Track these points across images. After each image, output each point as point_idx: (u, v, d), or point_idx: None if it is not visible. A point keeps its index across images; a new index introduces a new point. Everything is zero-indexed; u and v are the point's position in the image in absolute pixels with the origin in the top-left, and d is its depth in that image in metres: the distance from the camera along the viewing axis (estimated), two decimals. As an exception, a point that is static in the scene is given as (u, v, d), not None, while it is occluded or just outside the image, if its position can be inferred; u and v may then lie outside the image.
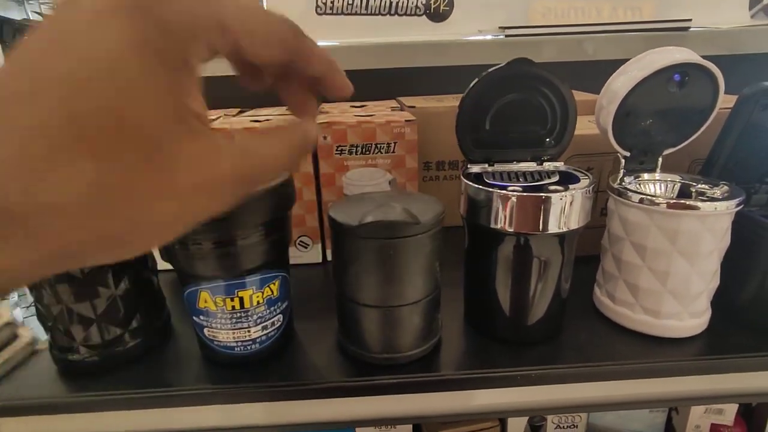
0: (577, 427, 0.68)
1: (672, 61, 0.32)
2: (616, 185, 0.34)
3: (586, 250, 0.39)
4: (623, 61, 0.34)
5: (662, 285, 0.32)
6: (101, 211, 0.14)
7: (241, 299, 0.30)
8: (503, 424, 0.66)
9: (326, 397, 0.32)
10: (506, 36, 0.62)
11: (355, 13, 0.63)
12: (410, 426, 0.65)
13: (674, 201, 0.31)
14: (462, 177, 0.33)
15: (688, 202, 0.30)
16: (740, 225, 0.33)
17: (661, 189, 0.35)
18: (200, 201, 0.16)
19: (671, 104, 0.34)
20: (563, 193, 0.30)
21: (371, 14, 0.63)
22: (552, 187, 0.31)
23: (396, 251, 0.28)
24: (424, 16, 0.64)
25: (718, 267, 0.33)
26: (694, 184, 0.34)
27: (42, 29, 0.14)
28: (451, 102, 0.56)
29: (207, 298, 0.30)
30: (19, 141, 0.13)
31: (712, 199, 0.31)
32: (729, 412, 0.62)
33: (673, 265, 0.32)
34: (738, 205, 0.31)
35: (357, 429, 0.62)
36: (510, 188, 0.30)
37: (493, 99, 0.35)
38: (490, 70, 0.34)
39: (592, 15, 0.64)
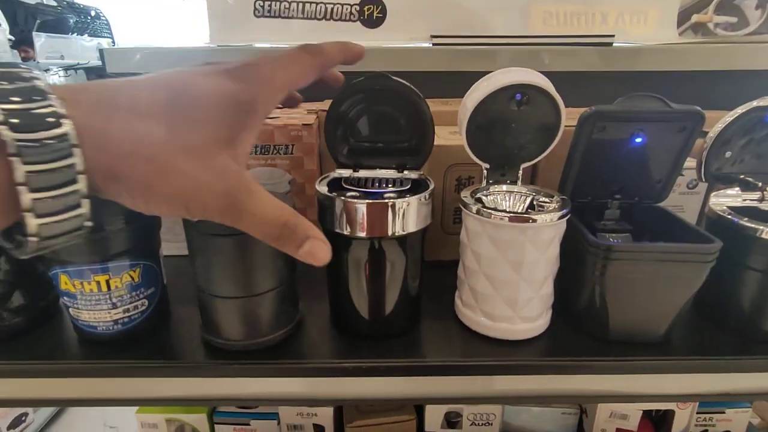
0: (492, 424, 0.70)
1: (509, 81, 0.34)
2: (464, 197, 0.36)
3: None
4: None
5: (495, 290, 0.35)
6: (152, 158, 0.21)
7: (98, 283, 0.33)
8: (421, 417, 0.69)
9: (183, 376, 0.35)
10: (434, 45, 0.65)
11: (292, 17, 0.66)
12: (331, 413, 0.68)
13: (502, 214, 0.33)
14: (316, 183, 0.36)
15: (513, 215, 0.33)
16: (573, 237, 0.35)
17: (510, 201, 0.38)
18: (201, 196, 0.22)
19: (518, 121, 0.37)
20: (398, 199, 0.32)
21: (307, 18, 0.66)
22: (387, 195, 0.33)
23: (227, 247, 0.31)
24: (358, 22, 0.66)
25: (549, 275, 0.35)
26: (538, 196, 0.37)
27: (182, 70, 0.25)
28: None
29: (66, 281, 0.33)
30: (135, 97, 0.22)
31: (541, 212, 0.34)
32: (633, 418, 0.65)
33: (502, 272, 0.34)
34: (560, 218, 0.33)
35: (280, 409, 0.66)
36: (348, 194, 0.33)
37: (359, 110, 0.37)
38: (351, 81, 0.36)
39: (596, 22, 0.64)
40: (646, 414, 0.66)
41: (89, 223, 0.21)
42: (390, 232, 0.33)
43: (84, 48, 2.33)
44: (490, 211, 0.33)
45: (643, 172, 0.38)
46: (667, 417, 0.67)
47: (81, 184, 0.19)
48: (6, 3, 1.68)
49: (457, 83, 0.66)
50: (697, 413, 0.67)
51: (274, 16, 0.65)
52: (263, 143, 0.46)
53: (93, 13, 2.53)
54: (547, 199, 0.36)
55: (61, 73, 2.19)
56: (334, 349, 0.36)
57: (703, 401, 0.66)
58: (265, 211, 0.24)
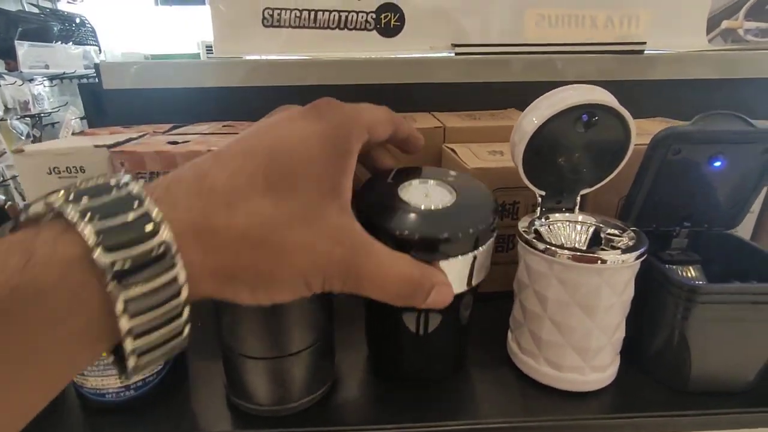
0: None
1: (578, 101, 0.30)
2: (522, 229, 0.32)
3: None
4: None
5: (563, 337, 0.31)
6: (267, 244, 0.19)
7: (107, 346, 0.28)
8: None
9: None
10: (456, 54, 0.61)
11: (303, 26, 0.61)
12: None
13: (574, 253, 0.29)
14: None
15: (588, 255, 0.29)
16: (648, 273, 0.31)
17: (573, 232, 0.34)
18: (322, 266, 0.20)
19: (581, 144, 0.33)
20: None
21: (320, 27, 0.61)
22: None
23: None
24: (374, 31, 0.62)
25: (622, 319, 0.31)
26: (606, 228, 0.33)
27: (256, 125, 0.22)
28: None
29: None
30: (231, 180, 0.19)
31: (615, 249, 0.30)
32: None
33: (572, 318, 0.30)
34: (639, 257, 0.29)
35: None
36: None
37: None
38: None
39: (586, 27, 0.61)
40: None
41: (188, 333, 0.18)
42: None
43: (69, 56, 2.26)
44: (556, 249, 0.29)
45: (716, 198, 0.34)
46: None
47: (183, 295, 0.17)
48: (-14, 11, 1.62)
49: (479, 94, 0.63)
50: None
51: (284, 26, 0.61)
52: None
53: (78, 21, 2.46)
54: (616, 231, 0.32)
55: (47, 82, 2.11)
56: (374, 409, 0.32)
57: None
58: (387, 273, 0.22)
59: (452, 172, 0.30)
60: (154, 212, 0.16)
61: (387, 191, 0.27)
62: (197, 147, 0.40)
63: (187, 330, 0.18)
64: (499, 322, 0.37)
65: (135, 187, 0.17)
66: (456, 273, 0.25)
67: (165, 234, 0.16)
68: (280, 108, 0.25)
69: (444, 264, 0.24)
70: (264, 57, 0.62)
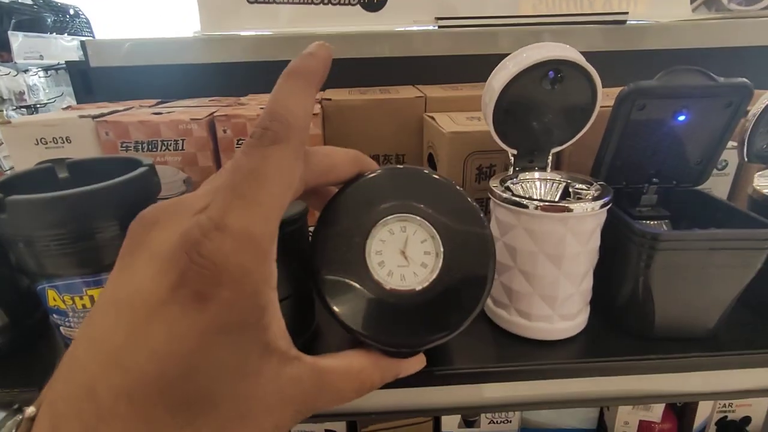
0: (511, 422, 0.68)
1: (543, 57, 0.31)
2: (493, 186, 0.33)
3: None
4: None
5: (532, 287, 0.32)
6: None
7: (92, 297, 0.29)
8: (437, 418, 0.66)
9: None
10: (439, 27, 0.61)
11: (288, 2, 0.62)
12: (344, 423, 0.65)
13: (540, 203, 0.30)
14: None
15: (553, 205, 0.30)
16: (613, 225, 0.32)
17: (543, 189, 0.35)
18: (286, 421, 0.17)
19: (550, 101, 0.33)
20: None
21: (304, 3, 0.62)
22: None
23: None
24: (358, 6, 0.62)
25: (590, 268, 0.32)
26: (574, 183, 0.34)
27: (111, 305, 0.16)
28: (375, 94, 0.55)
29: (55, 297, 0.29)
30: (111, 404, 0.14)
31: (581, 201, 0.31)
32: (656, 409, 0.63)
33: (540, 267, 0.31)
34: (603, 206, 0.30)
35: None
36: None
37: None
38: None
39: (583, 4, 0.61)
40: (669, 404, 0.64)
41: None
42: None
43: (64, 48, 2.25)
44: (525, 200, 0.30)
45: (682, 154, 0.35)
46: (690, 406, 0.65)
47: None
48: (-22, 1, 1.61)
49: (463, 68, 0.63)
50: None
51: (269, 2, 0.61)
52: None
53: (72, 12, 2.45)
54: (583, 186, 0.33)
55: (41, 73, 2.11)
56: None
57: (754, 397, 0.64)
58: (346, 392, 0.20)
59: (439, 188, 0.23)
60: None
61: (352, 243, 0.21)
62: (180, 116, 0.41)
63: None
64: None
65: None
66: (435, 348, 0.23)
67: None
68: (134, 233, 0.17)
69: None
70: (250, 33, 0.62)
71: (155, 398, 0.14)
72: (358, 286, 0.20)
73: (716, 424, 0.67)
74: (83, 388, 0.14)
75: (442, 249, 0.21)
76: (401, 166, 0.24)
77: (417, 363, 0.23)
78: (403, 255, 0.21)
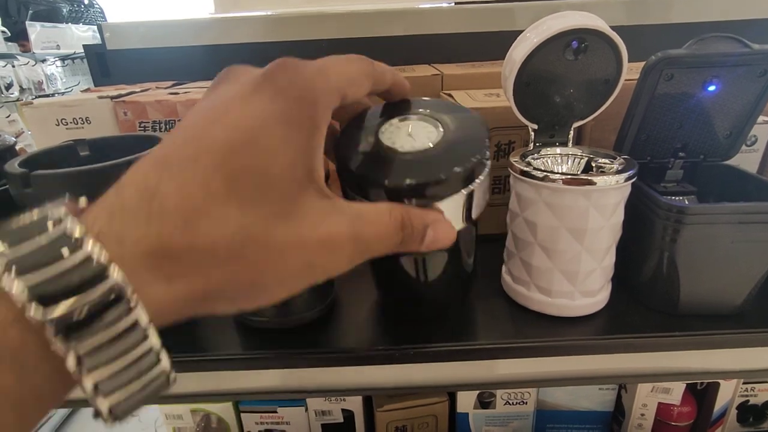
0: (526, 403, 0.68)
1: (566, 26, 0.30)
2: (513, 160, 0.33)
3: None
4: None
5: (552, 263, 0.31)
6: (242, 255, 0.17)
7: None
8: (453, 398, 0.67)
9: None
10: (455, 3, 0.60)
11: (300, -19, 0.61)
12: (360, 398, 0.66)
13: (562, 177, 0.29)
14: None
15: (576, 178, 0.29)
16: (637, 200, 0.31)
17: (566, 164, 0.34)
18: (323, 255, 0.18)
19: (572, 73, 0.32)
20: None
21: (317, -18, 0.61)
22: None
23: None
24: (373, -17, 0.61)
25: (612, 243, 0.32)
26: (597, 158, 0.33)
27: (201, 106, 0.19)
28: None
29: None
30: (184, 194, 0.16)
31: (604, 174, 0.30)
32: (676, 392, 0.62)
33: (561, 242, 0.31)
34: (627, 179, 0.29)
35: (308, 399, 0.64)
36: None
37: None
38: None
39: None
40: (690, 387, 0.64)
41: (174, 375, 0.16)
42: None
43: (79, 37, 2.28)
44: (546, 173, 0.30)
45: (711, 127, 0.34)
46: (711, 389, 0.64)
47: (152, 338, 0.15)
48: (-4, -8, 1.63)
49: (479, 45, 0.62)
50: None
51: (282, -19, 0.61)
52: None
53: (86, 2, 2.47)
54: (607, 160, 0.32)
55: (59, 62, 2.14)
56: (374, 331, 0.33)
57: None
58: (379, 230, 0.20)
59: (434, 102, 0.27)
60: (97, 253, 0.14)
61: (367, 137, 0.25)
62: (197, 96, 0.42)
63: (171, 381, 0.16)
64: (494, 261, 0.38)
65: (71, 225, 0.14)
66: (453, 210, 0.24)
67: (115, 275, 0.14)
68: (229, 71, 0.20)
69: (440, 204, 0.23)
70: (263, 13, 0.62)
71: (218, 162, 0.16)
72: (377, 152, 0.24)
73: (737, 408, 0.66)
74: (158, 158, 0.17)
75: (441, 129, 0.25)
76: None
77: (447, 224, 0.23)
78: (410, 135, 0.25)
